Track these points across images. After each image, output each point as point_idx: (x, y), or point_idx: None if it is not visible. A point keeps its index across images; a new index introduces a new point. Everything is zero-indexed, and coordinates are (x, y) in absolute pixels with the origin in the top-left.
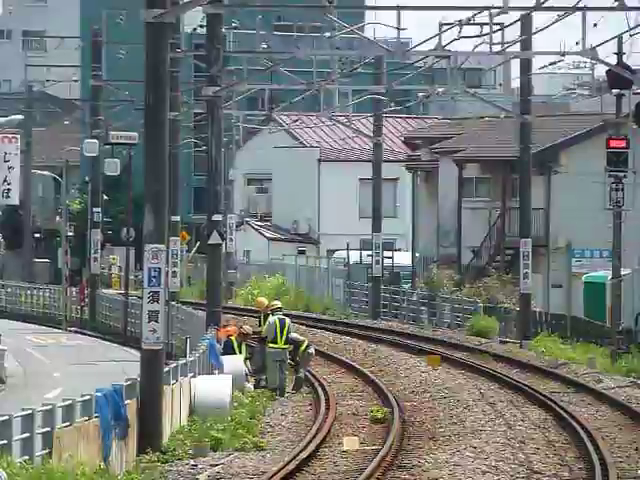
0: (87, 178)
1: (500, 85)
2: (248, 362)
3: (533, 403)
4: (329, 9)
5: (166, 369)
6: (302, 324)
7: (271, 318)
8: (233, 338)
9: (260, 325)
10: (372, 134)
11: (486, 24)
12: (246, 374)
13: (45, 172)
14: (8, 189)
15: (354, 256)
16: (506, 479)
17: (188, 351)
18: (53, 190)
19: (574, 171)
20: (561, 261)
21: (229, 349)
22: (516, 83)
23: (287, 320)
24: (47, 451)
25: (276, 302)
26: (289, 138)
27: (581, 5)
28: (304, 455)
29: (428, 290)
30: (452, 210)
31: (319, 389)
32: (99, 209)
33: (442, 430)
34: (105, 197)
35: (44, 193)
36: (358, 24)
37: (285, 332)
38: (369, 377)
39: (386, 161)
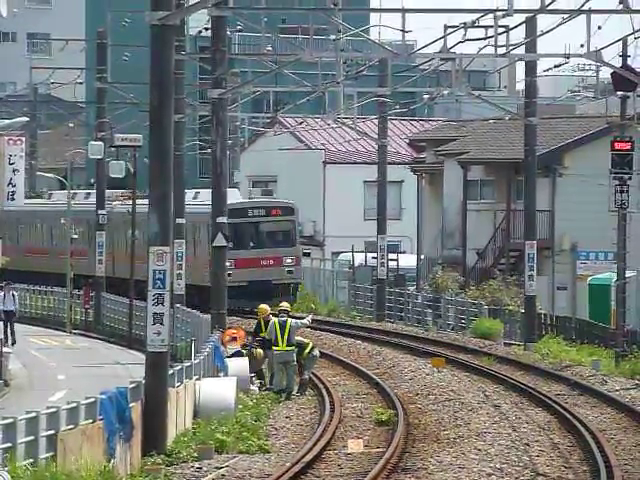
0: (92, 180)
1: (505, 87)
2: None
3: (538, 405)
4: (334, 12)
5: (171, 372)
6: (306, 326)
7: (272, 320)
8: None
9: (256, 329)
10: (377, 136)
11: (491, 27)
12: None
13: (50, 174)
14: (13, 191)
15: (359, 258)
16: None
17: (193, 354)
18: None
19: (579, 173)
20: (566, 263)
21: (238, 354)
22: (521, 85)
23: (289, 321)
24: (51, 454)
25: (283, 303)
26: (294, 140)
27: (586, 8)
28: (309, 458)
29: (433, 292)
30: (457, 212)
31: (323, 391)
32: (104, 211)
33: (447, 432)
34: None
35: None
36: (363, 27)
37: (286, 333)
38: (373, 379)
39: (391, 163)
